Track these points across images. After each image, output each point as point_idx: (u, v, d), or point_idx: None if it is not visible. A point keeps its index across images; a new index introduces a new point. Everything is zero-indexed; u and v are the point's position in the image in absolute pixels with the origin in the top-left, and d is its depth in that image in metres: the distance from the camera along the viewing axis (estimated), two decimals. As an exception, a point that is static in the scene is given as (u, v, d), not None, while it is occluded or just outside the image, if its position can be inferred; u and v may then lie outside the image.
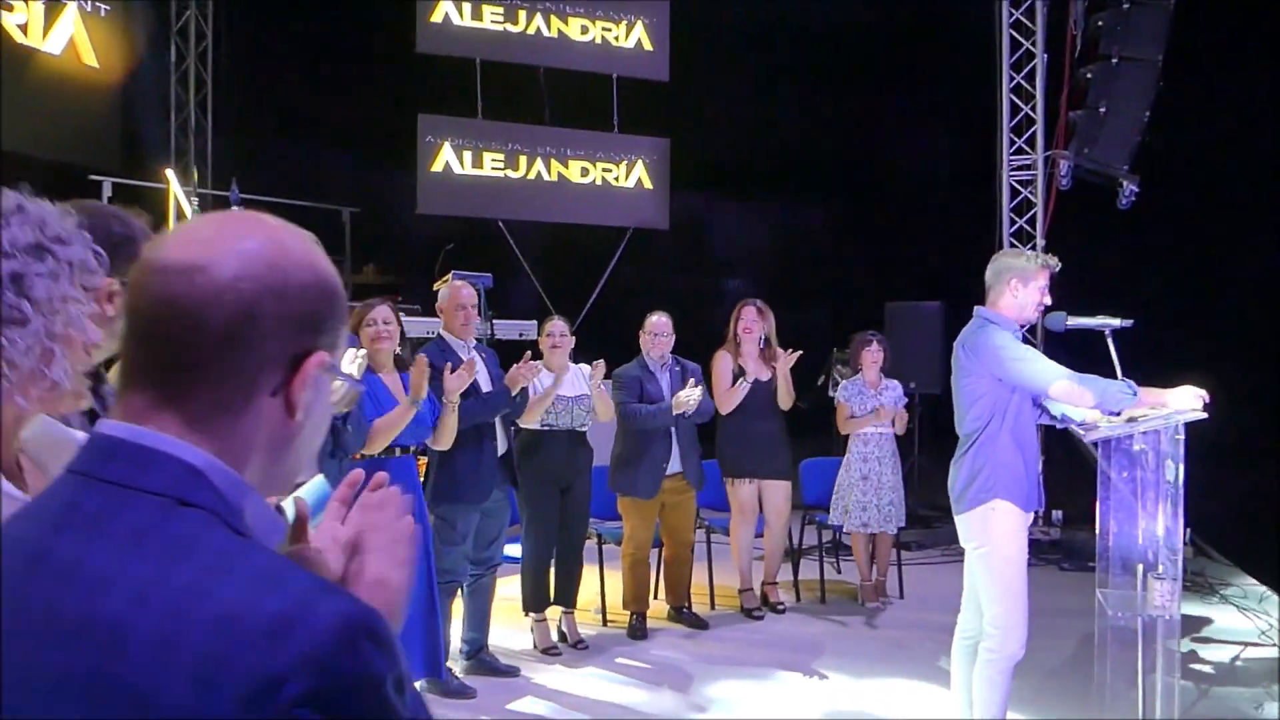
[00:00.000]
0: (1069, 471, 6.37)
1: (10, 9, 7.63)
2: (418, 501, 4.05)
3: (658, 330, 5.39)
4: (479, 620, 4.71)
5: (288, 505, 2.56)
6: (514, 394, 4.50)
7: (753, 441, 5.66)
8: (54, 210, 1.19)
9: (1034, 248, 7.63)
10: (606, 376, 5.11)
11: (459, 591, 4.55)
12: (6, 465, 1.20)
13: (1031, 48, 8.16)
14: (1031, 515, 3.53)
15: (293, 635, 0.73)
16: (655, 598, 5.64)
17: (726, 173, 11.42)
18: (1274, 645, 5.07)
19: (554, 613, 5.17)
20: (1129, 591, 3.36)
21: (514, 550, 5.08)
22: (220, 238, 0.86)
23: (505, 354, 4.96)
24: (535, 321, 6.80)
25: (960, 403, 3.58)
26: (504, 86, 9.43)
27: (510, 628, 5.20)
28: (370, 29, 9.77)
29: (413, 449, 4.11)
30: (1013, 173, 8.23)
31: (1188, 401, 3.23)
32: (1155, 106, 7.47)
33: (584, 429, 5.08)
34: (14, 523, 0.85)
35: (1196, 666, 4.80)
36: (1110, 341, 3.45)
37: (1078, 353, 3.70)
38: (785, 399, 5.70)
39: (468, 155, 9.30)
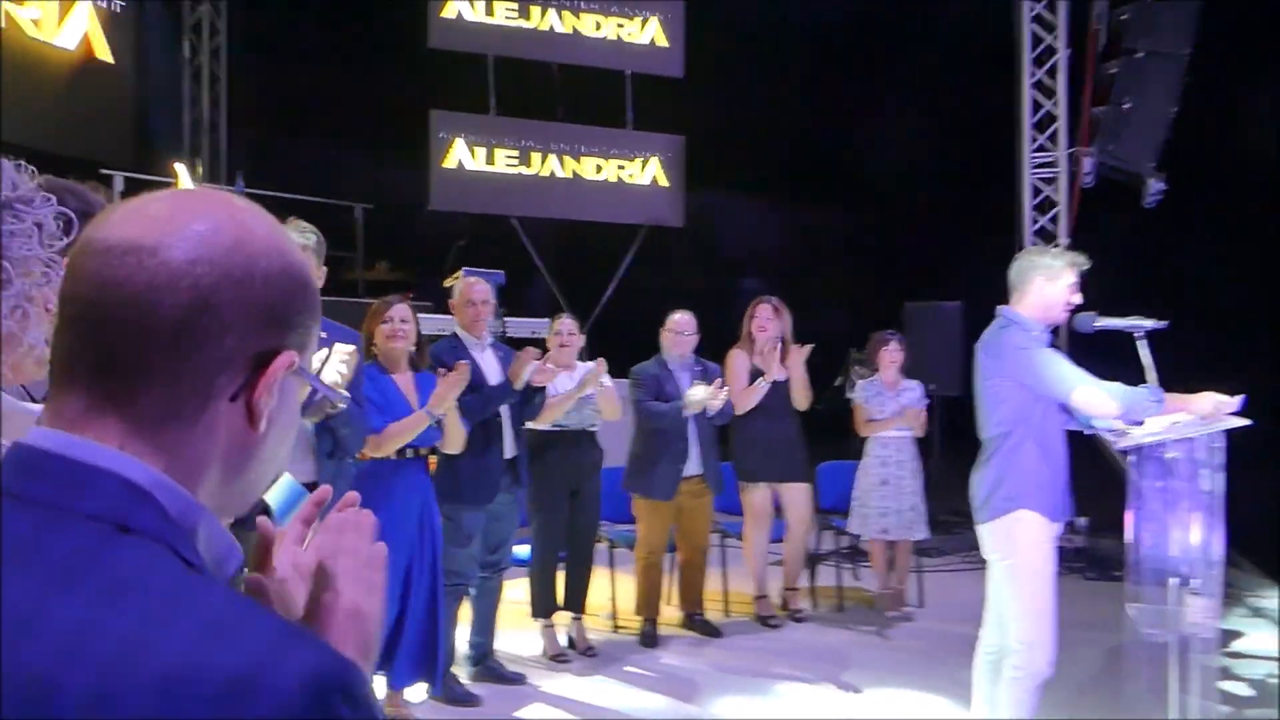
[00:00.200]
0: (1094, 475, 6.20)
1: (23, 3, 7.60)
2: (428, 503, 3.94)
3: (680, 328, 5.25)
4: (485, 625, 4.60)
5: (271, 497, 2.43)
6: (516, 387, 4.37)
7: (769, 444, 5.52)
8: (13, 170, 1.16)
9: (1057, 245, 7.47)
10: (623, 375, 4.99)
11: (465, 595, 4.45)
12: None
13: (1053, 43, 8.02)
14: (1059, 526, 3.38)
15: (253, 698, 0.60)
16: (668, 603, 5.52)
17: (742, 169, 11.29)
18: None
19: (563, 618, 5.05)
20: (1161, 606, 3.21)
21: (523, 551, 4.96)
22: (174, 215, 0.74)
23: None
24: (548, 319, 6.71)
25: (982, 406, 3.44)
26: (517, 82, 9.33)
27: (517, 632, 5.08)
28: (383, 25, 9.71)
29: (423, 451, 4.00)
30: (1034, 170, 8.08)
31: (1210, 409, 3.08)
32: (1182, 102, 7.30)
33: (594, 429, 4.96)
34: None
35: (1228, 685, 4.63)
36: (1142, 344, 3.29)
37: (1105, 356, 3.55)
38: (801, 399, 5.56)
39: (481, 151, 9.20)
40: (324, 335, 3.27)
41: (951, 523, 7.09)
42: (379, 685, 3.74)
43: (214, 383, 0.73)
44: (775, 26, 10.73)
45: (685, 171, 9.88)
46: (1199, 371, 3.50)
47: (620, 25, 9.69)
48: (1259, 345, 7.66)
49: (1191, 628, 3.10)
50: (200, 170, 9.01)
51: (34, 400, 1.31)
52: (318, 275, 3.27)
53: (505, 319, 6.51)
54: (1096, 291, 3.66)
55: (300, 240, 3.09)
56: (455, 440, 4.00)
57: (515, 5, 9.30)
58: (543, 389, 4.56)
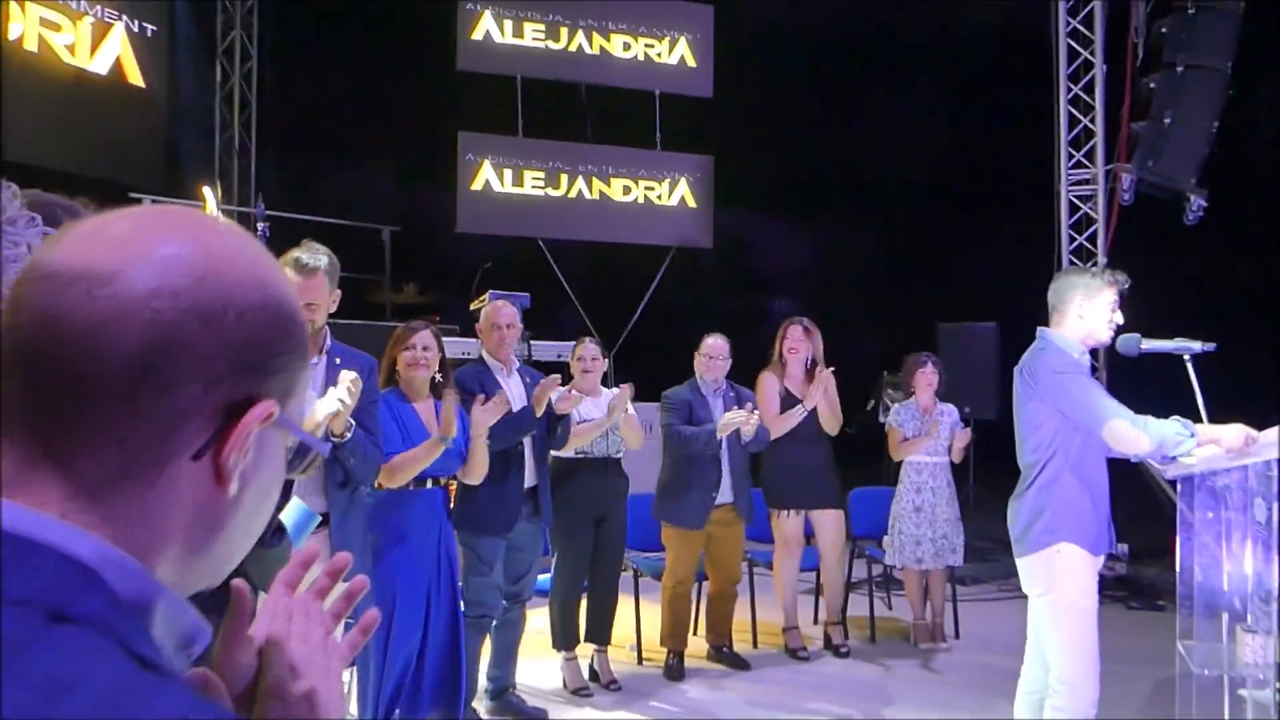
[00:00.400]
0: (1135, 500, 5.99)
1: (58, 29, 7.69)
2: (445, 532, 3.83)
3: (714, 353, 5.12)
4: (505, 657, 4.47)
5: (287, 517, 2.31)
6: (538, 414, 4.26)
7: (800, 470, 5.36)
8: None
9: (1095, 265, 7.29)
10: (652, 399, 4.88)
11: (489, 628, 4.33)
12: None
13: (1090, 57, 7.85)
14: (1101, 559, 3.22)
15: None
16: (694, 634, 5.37)
17: (772, 190, 11.20)
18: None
19: (586, 650, 4.92)
20: (1214, 643, 3.04)
21: (544, 579, 4.84)
22: (137, 238, 0.63)
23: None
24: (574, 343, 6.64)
25: (1020, 431, 3.29)
26: (545, 104, 9.30)
27: (540, 662, 4.96)
28: (411, 47, 9.74)
29: (442, 480, 3.90)
30: (1071, 188, 7.89)
31: (1240, 441, 2.90)
32: (1224, 116, 7.11)
33: (619, 455, 4.85)
34: None
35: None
36: (1190, 367, 3.13)
37: (1146, 381, 3.39)
38: (831, 423, 5.42)
39: (508, 173, 9.16)
40: (338, 362, 3.18)
41: (987, 549, 6.90)
42: None
43: (174, 437, 0.63)
44: (805, 45, 10.65)
45: (714, 192, 9.79)
46: (1241, 395, 3.33)
47: (649, 46, 9.63)
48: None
49: (1245, 667, 2.92)
50: (219, 192, 9.04)
51: None
52: (331, 299, 3.17)
53: (531, 342, 6.42)
54: (1136, 312, 3.51)
55: (311, 262, 3.00)
56: (479, 470, 3.89)
57: (543, 27, 9.28)
58: (566, 416, 4.45)
